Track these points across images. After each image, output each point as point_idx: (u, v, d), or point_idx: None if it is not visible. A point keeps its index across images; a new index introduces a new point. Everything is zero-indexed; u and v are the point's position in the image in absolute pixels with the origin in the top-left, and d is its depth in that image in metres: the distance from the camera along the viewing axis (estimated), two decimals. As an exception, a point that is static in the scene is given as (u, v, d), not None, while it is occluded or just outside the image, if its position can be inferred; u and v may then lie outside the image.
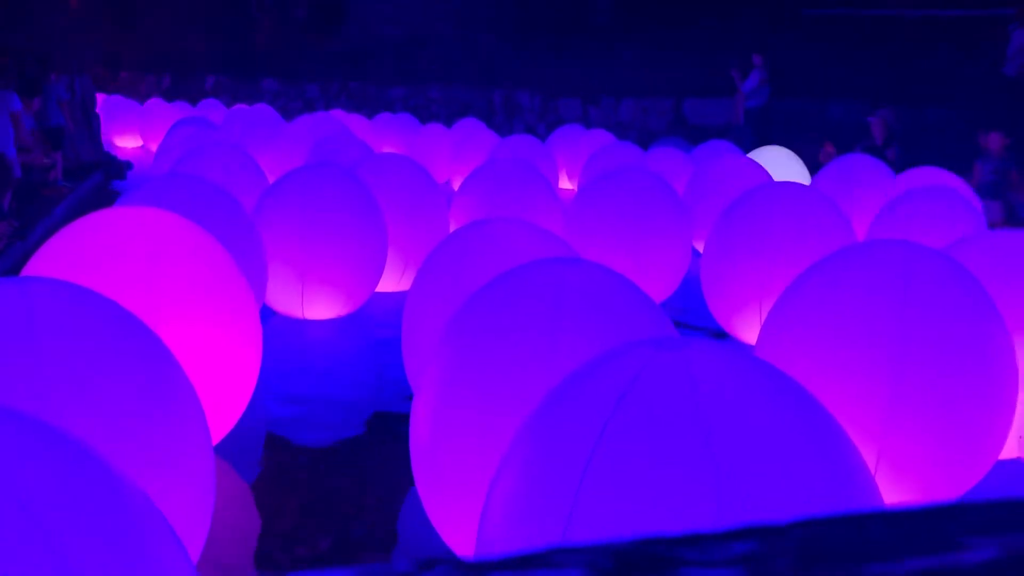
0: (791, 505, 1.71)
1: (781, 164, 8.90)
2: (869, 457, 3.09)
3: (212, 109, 15.86)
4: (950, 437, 3.22)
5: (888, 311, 3.23)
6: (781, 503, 1.70)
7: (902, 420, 3.18)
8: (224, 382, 3.53)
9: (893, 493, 3.13)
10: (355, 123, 13.39)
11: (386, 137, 13.06)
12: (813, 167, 9.37)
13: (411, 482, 3.12)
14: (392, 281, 6.12)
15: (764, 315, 3.79)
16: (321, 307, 5.67)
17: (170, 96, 19.13)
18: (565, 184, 11.76)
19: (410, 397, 3.31)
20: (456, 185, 9.79)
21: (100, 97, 15.57)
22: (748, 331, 5.14)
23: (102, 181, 12.34)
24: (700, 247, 7.14)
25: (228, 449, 3.72)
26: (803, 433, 1.80)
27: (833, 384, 3.14)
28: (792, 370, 3.04)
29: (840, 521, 0.71)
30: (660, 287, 5.99)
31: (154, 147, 13.62)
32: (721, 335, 5.61)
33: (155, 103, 16.87)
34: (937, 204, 6.08)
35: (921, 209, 5.99)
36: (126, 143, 15.93)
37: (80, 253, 3.38)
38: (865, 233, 6.44)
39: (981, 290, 3.40)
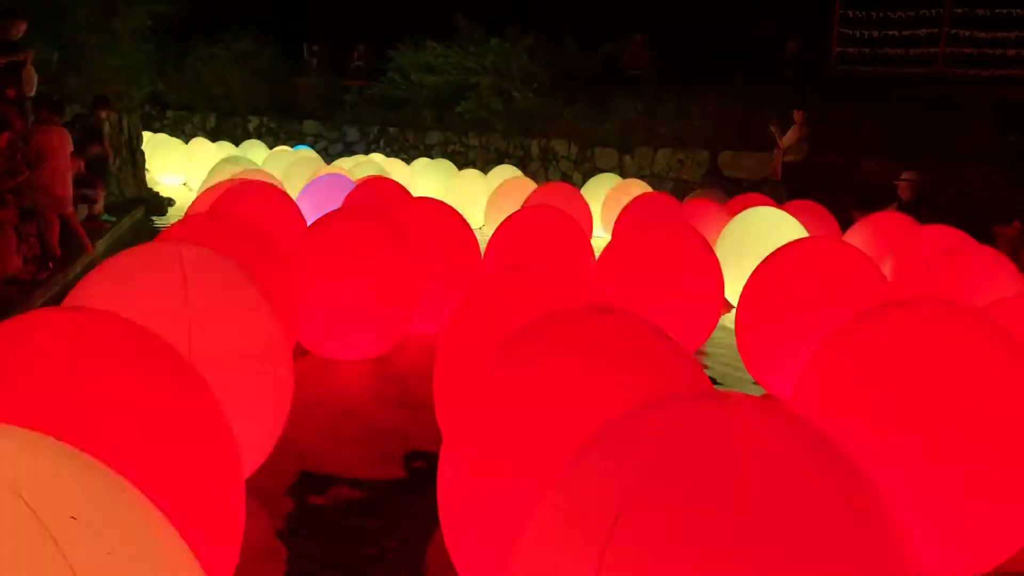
0: (827, 566, 1.67)
1: (807, 218, 8.78)
2: (904, 516, 3.02)
3: (254, 149, 16.15)
4: (987, 502, 3.14)
5: (924, 369, 3.18)
6: (817, 564, 1.67)
7: (939, 480, 3.11)
8: (256, 418, 3.55)
9: (929, 554, 3.04)
10: (393, 167, 13.57)
11: (423, 182, 13.21)
12: (844, 224, 9.29)
13: (437, 527, 3.10)
14: (425, 324, 6.14)
15: (799, 369, 3.74)
16: (354, 347, 5.70)
17: (214, 136, 19.54)
18: (599, 232, 11.78)
19: (440, 441, 3.30)
20: (491, 230, 9.85)
21: (146, 135, 15.94)
22: (782, 385, 5.08)
23: (143, 217, 12.58)
24: (733, 298, 7.11)
25: (256, 486, 3.73)
26: (838, 491, 1.76)
27: (868, 441, 3.09)
28: (827, 426, 3.00)
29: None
30: (692, 337, 5.95)
31: (196, 185, 13.88)
32: (754, 388, 5.55)
33: (199, 142, 17.23)
34: (976, 263, 6.00)
35: (960, 267, 5.91)
36: (169, 180, 16.24)
37: (119, 286, 3.43)
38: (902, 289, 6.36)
39: (1020, 350, 3.34)
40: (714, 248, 6.87)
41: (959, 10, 13.06)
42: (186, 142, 17.63)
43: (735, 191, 12.15)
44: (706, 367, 6.09)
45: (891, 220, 8.30)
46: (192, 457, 2.34)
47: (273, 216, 6.70)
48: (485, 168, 14.91)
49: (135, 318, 2.80)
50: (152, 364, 2.42)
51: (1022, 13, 12.46)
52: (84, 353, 2.28)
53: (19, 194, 7.70)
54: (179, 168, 16.22)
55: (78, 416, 2.19)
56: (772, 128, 12.41)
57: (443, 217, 6.62)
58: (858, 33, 13.96)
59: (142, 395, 2.33)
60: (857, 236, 8.01)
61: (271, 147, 17.27)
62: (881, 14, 13.72)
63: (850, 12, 14.02)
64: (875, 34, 13.79)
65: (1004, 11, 12.57)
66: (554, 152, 16.48)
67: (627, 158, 15.17)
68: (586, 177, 14.30)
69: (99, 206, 10.88)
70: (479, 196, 12.12)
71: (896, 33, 13.62)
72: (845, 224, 9.23)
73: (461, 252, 6.48)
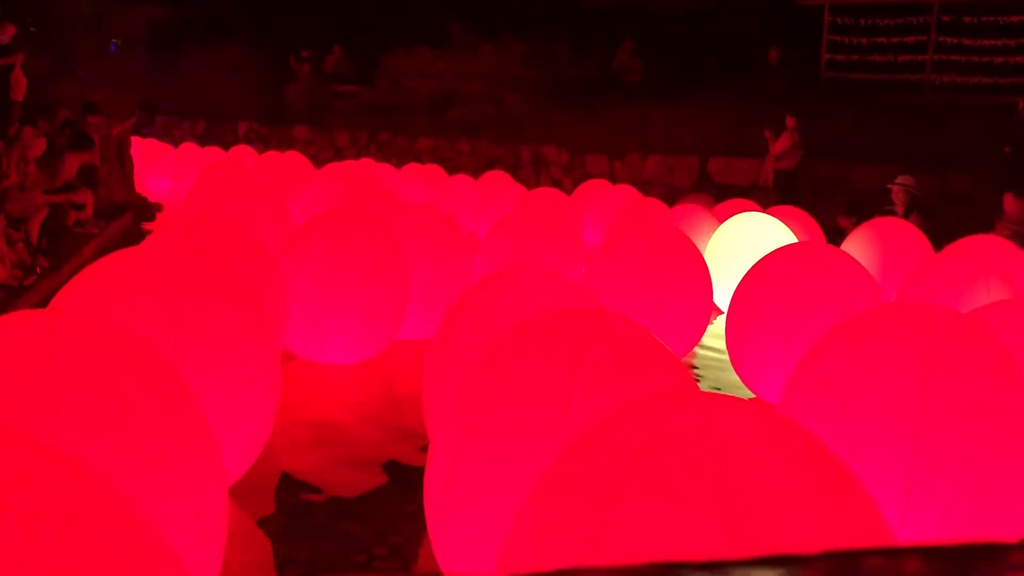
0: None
1: (789, 224, 8.69)
2: (892, 521, 3.02)
3: (244, 155, 16.12)
4: (973, 508, 3.14)
5: (912, 374, 3.18)
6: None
7: (925, 486, 3.11)
8: (241, 424, 3.53)
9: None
10: (383, 173, 13.54)
11: (414, 187, 13.19)
12: (829, 231, 9.29)
13: (426, 533, 3.08)
14: (414, 329, 6.13)
15: (788, 374, 3.74)
16: (341, 352, 5.68)
17: (203, 141, 19.48)
18: (589, 238, 11.78)
19: (427, 446, 3.29)
20: (481, 236, 9.83)
21: (135, 140, 15.87)
22: (771, 390, 5.08)
23: (132, 222, 12.52)
24: (722, 303, 7.12)
25: (241, 492, 3.70)
26: (825, 495, 1.76)
27: (856, 446, 3.09)
28: (815, 430, 2.99)
29: (871, 554, 0.68)
30: (681, 342, 5.95)
31: (186, 190, 13.83)
32: (743, 393, 5.55)
33: (188, 147, 17.18)
34: (965, 267, 6.00)
35: (949, 272, 5.92)
36: (158, 185, 16.17)
37: (104, 290, 3.41)
38: (892, 295, 6.38)
39: (1007, 355, 3.35)
40: (703, 254, 6.87)
41: (946, 18, 13.16)
42: (175, 147, 17.58)
43: (725, 197, 12.17)
44: (695, 373, 6.09)
45: (889, 227, 8.07)
46: (174, 464, 2.32)
47: (261, 220, 6.68)
48: (475, 174, 14.91)
49: (121, 322, 2.78)
50: (134, 368, 2.40)
51: (1008, 21, 12.56)
52: (64, 357, 2.26)
53: (5, 200, 7.66)
54: (169, 173, 16.18)
55: (57, 420, 2.17)
56: (767, 134, 12.42)
57: (433, 222, 6.61)
58: (847, 40, 14.05)
59: (122, 400, 2.30)
60: (855, 244, 7.79)
61: (260, 152, 17.22)
62: (869, 21, 13.82)
63: (838, 19, 14.11)
64: (863, 41, 13.88)
65: (990, 19, 12.67)
66: (544, 158, 16.49)
67: (617, 164, 15.20)
68: (576, 183, 14.31)
69: (88, 212, 10.84)
70: (470, 202, 12.12)
71: (884, 40, 13.72)
72: (830, 230, 9.24)
73: (451, 257, 6.47)
